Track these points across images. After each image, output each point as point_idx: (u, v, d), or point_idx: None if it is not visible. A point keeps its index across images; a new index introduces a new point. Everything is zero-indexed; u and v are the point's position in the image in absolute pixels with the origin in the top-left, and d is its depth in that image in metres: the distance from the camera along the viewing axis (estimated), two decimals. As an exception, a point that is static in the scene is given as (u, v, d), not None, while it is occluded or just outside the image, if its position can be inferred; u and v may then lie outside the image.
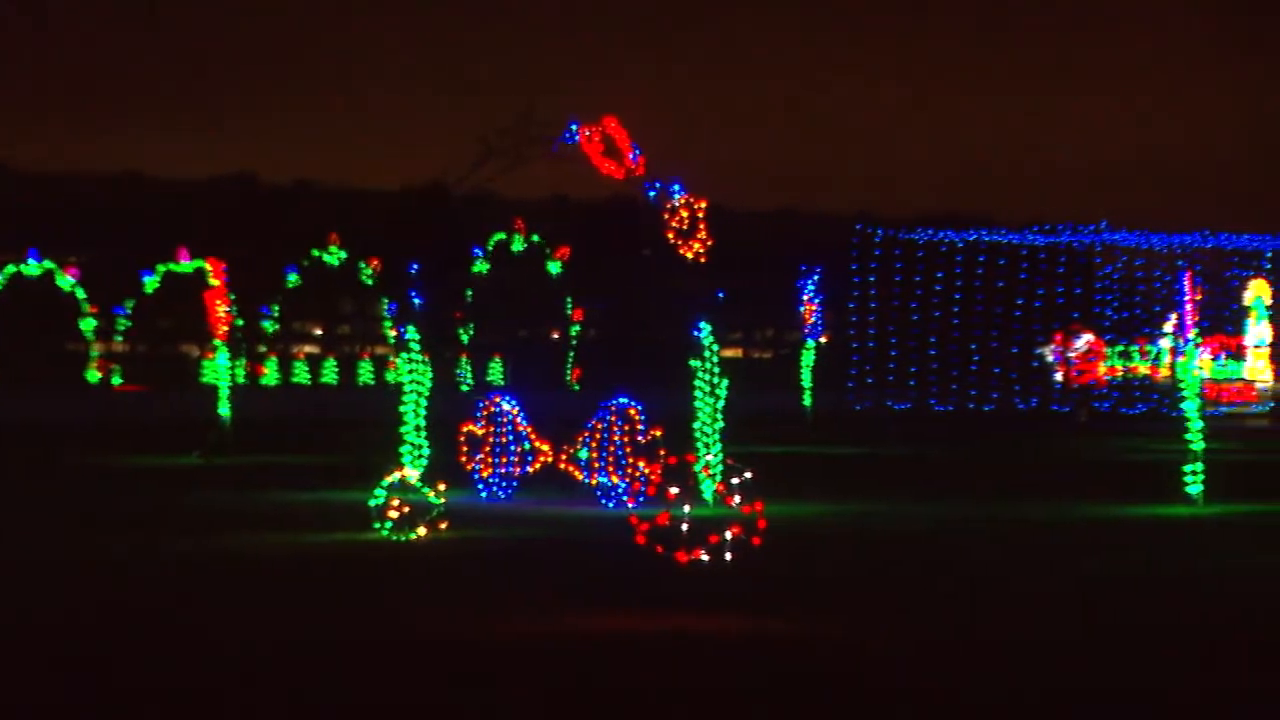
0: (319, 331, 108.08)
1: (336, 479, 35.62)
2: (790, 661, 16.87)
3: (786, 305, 72.08)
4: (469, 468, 32.91)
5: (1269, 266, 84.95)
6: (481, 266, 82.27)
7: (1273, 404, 75.67)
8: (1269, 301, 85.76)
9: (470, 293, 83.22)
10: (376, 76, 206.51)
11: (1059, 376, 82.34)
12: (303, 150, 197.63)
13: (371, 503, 26.42)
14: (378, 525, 26.25)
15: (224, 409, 45.70)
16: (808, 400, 63.71)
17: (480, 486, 32.74)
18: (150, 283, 70.81)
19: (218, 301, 47.25)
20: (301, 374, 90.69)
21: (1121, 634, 18.48)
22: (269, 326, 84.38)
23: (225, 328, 47.44)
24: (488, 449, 32.90)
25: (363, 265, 75.15)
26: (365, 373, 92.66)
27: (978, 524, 29.60)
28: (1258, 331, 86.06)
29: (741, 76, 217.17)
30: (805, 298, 67.47)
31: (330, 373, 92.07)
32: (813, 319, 66.43)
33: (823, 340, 68.78)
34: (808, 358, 64.71)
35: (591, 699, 15.22)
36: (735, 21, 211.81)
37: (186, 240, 58.49)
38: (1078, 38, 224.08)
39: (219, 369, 47.39)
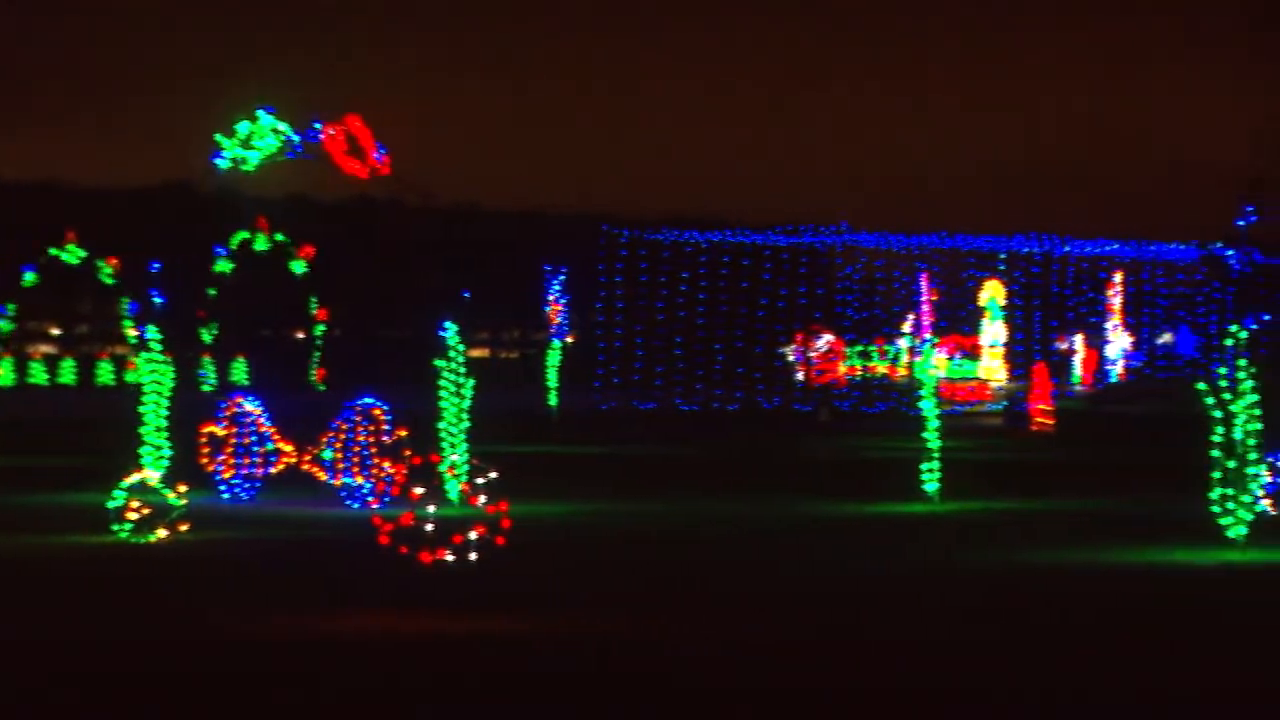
0: (57, 332, 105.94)
1: (75, 481, 34.96)
2: (530, 659, 16.97)
3: (533, 305, 72.27)
4: (210, 469, 32.55)
5: (1003, 268, 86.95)
6: (224, 265, 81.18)
7: (1006, 403, 77.34)
8: (1003, 302, 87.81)
9: (213, 292, 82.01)
10: (118, 73, 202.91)
11: (801, 376, 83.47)
12: (44, 147, 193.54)
13: (110, 504, 26.03)
14: (117, 527, 25.86)
15: (-43, 411, 44.66)
16: (554, 400, 63.90)
17: (222, 487, 32.40)
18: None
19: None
20: (39, 375, 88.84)
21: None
22: (4, 326, 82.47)
23: (-44, 328, 46.32)
24: (230, 450, 32.57)
25: (101, 264, 73.80)
26: (105, 373, 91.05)
27: (720, 523, 29.94)
28: (992, 331, 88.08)
29: (489, 78, 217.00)
30: (551, 298, 67.72)
31: (68, 373, 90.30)
32: (559, 319, 66.66)
33: (569, 340, 69.06)
34: (554, 357, 64.90)
35: (333, 699, 15.19)
36: (481, 23, 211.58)
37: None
38: (822, 37, 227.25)
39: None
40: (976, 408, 78.34)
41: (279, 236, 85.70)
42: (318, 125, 31.49)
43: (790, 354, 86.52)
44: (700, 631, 18.74)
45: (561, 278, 68.31)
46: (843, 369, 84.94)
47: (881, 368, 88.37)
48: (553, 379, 64.35)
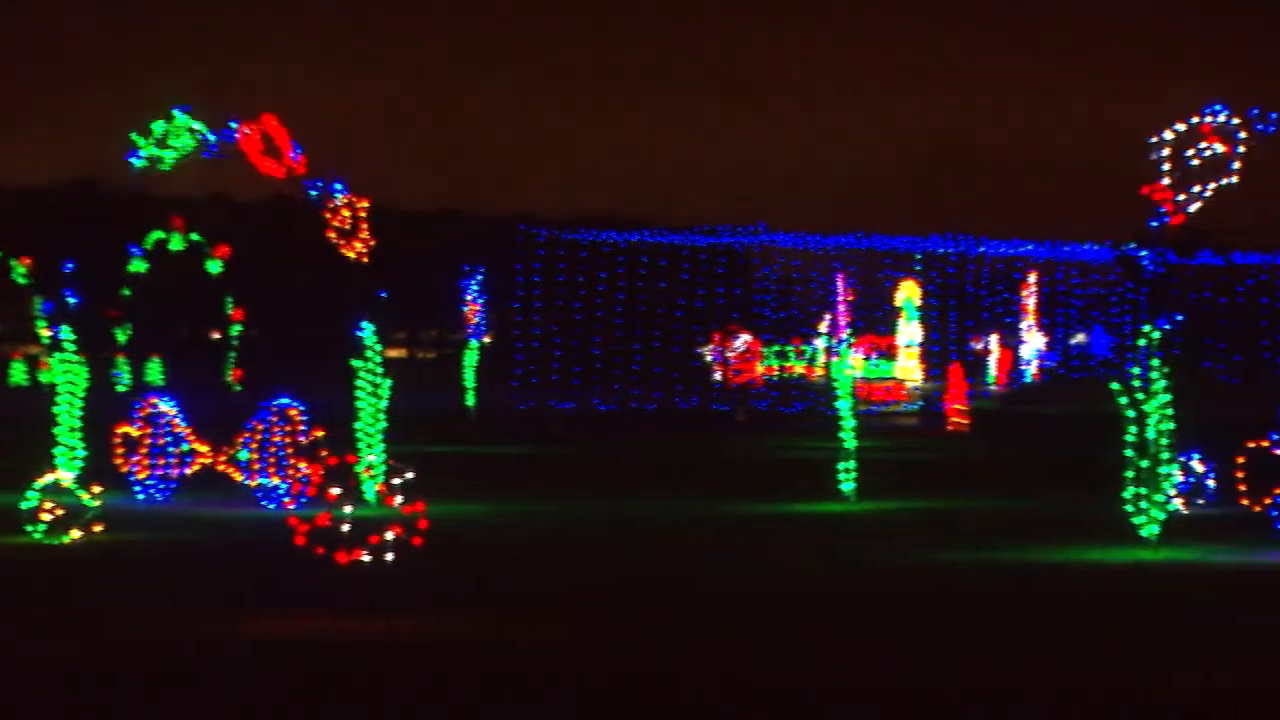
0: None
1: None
2: (447, 660, 16.97)
3: (450, 305, 72.12)
4: (125, 469, 32.36)
5: (919, 268, 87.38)
6: (139, 265, 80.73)
7: (922, 403, 77.70)
8: (919, 302, 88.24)
9: (128, 291, 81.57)
10: (25, 71, 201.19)
11: (718, 376, 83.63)
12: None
13: (24, 505, 25.84)
14: (31, 528, 25.68)
15: None
16: (471, 400, 63.79)
17: (137, 488, 32.21)
18: None
19: None
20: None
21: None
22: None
23: None
24: (145, 450, 32.39)
25: (14, 263, 73.22)
26: (18, 373, 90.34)
27: (636, 523, 29.99)
28: (908, 331, 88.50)
29: (405, 77, 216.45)
30: (469, 298, 67.60)
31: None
32: (476, 319, 66.54)
33: (486, 340, 68.94)
34: (471, 358, 64.80)
35: (249, 700, 15.15)
36: (396, 22, 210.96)
37: None
38: (742, 38, 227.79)
39: None
40: (893, 407, 78.66)
41: (194, 236, 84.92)
42: (234, 125, 31.35)
43: (708, 354, 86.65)
44: (602, 631, 18.77)
45: (479, 278, 68.18)
46: (760, 369, 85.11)
47: (799, 368, 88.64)
48: (470, 379, 64.24)
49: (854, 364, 77.05)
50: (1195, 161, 26.11)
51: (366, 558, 22.96)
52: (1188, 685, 16.02)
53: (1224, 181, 26.17)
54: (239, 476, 31.65)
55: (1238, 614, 20.41)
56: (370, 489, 29.17)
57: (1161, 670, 16.74)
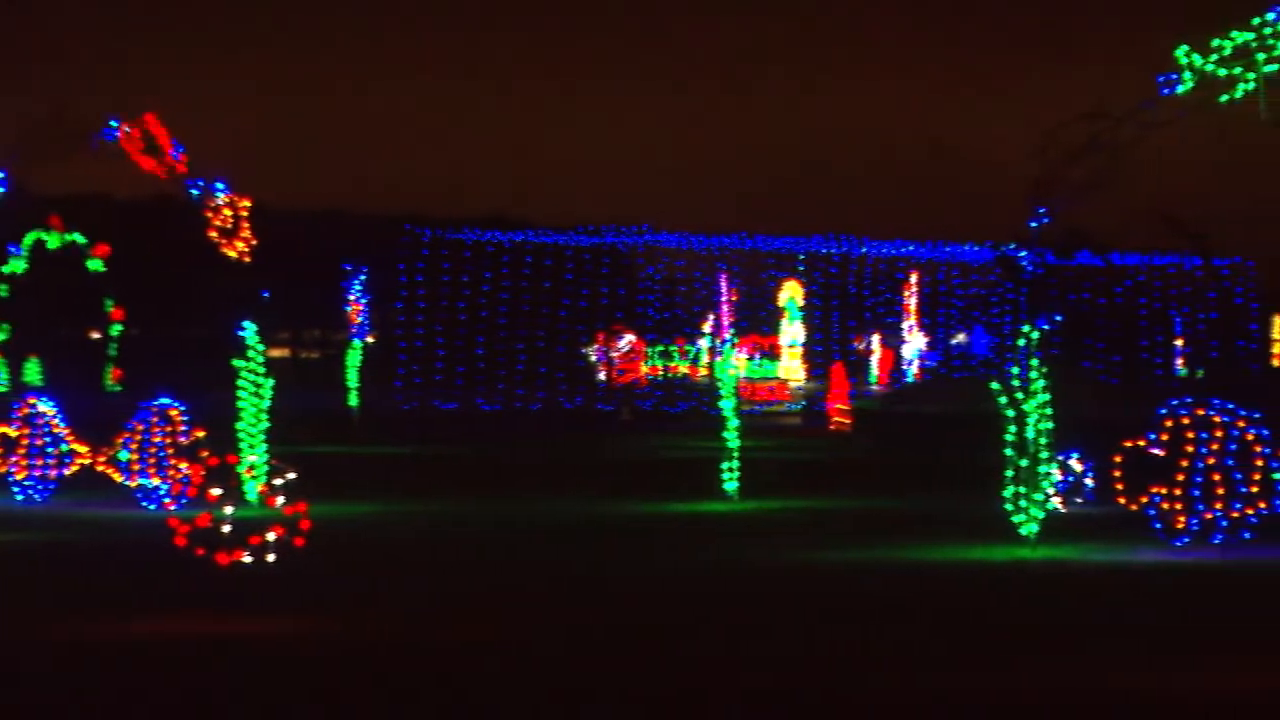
0: None
1: None
2: (325, 660, 16.92)
3: (333, 305, 71.74)
4: (3, 470, 32.03)
5: (802, 268, 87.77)
6: (17, 265, 79.78)
7: (805, 403, 78.06)
8: (801, 302, 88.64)
9: (4, 291, 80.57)
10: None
11: (602, 376, 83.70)
12: None
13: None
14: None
15: None
16: (354, 400, 63.53)
17: (15, 489, 31.88)
18: None
19: None
20: None
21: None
22: None
23: None
24: (23, 451, 32.06)
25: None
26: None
27: (520, 523, 30.00)
28: (791, 331, 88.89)
29: (292, 76, 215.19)
30: (352, 298, 67.29)
31: None
32: (360, 319, 66.25)
33: (370, 340, 68.66)
34: (354, 358, 64.53)
35: (129, 701, 15.05)
36: (278, 20, 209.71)
37: None
38: (623, 37, 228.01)
39: None
40: (776, 407, 79.00)
41: (74, 235, 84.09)
42: (114, 123, 31.10)
43: (592, 354, 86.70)
44: (480, 632, 18.77)
45: (362, 277, 67.88)
46: (644, 369, 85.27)
47: (682, 367, 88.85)
48: (354, 379, 63.97)
49: (737, 364, 77.34)
50: (1075, 162, 26.38)
51: (248, 559, 22.83)
52: (1075, 685, 16.20)
53: (1102, 184, 26.45)
54: (119, 477, 31.39)
55: (1112, 611, 20.66)
56: (252, 489, 29.01)
57: (1042, 666, 16.91)
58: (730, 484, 33.41)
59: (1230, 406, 26.13)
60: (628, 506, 32.66)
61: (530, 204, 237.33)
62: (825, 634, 18.79)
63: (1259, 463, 25.87)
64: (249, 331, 31.70)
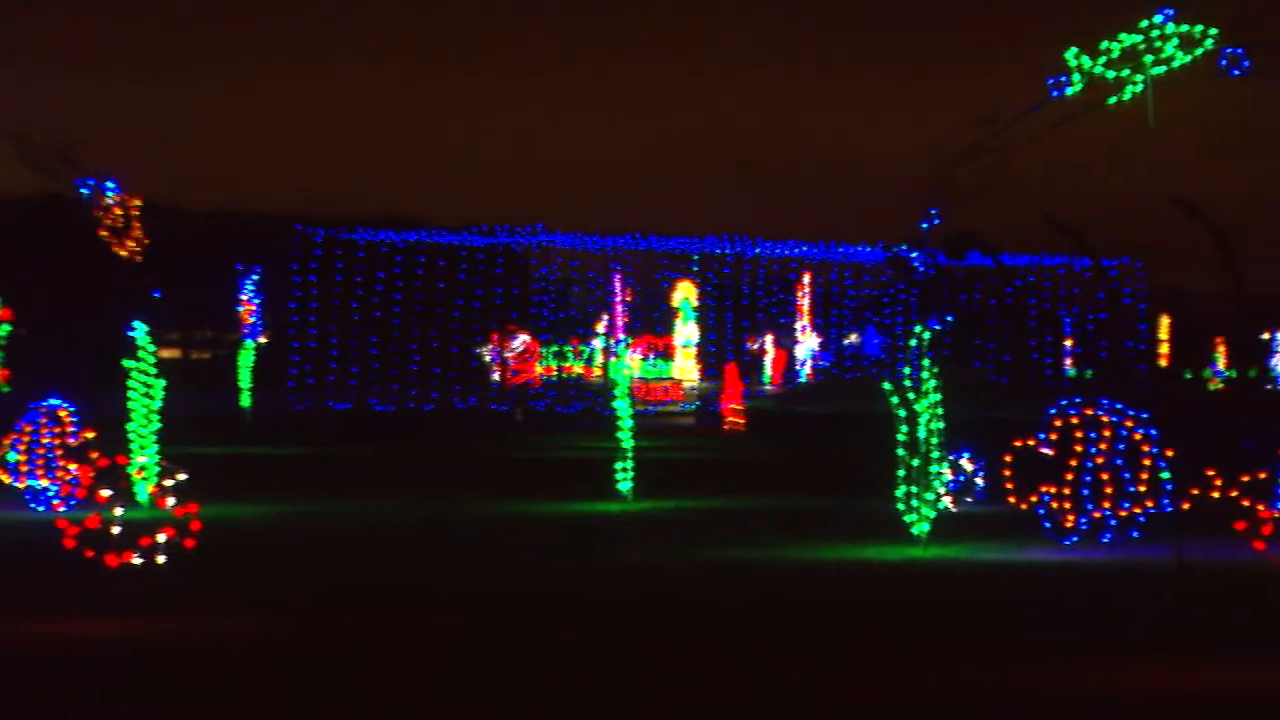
0: None
1: None
2: (214, 660, 16.83)
3: (225, 305, 71.36)
4: (-112, 473, 31.65)
5: (696, 269, 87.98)
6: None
7: (699, 403, 78.29)
8: (695, 303, 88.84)
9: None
10: None
11: (496, 376, 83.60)
12: None
13: None
14: None
15: None
16: (246, 401, 63.19)
17: (-100, 492, 31.52)
18: None
19: None
20: None
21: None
22: None
23: None
24: (-92, 453, 31.68)
25: None
26: None
27: (414, 524, 29.92)
28: (685, 332, 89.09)
29: (181, 77, 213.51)
30: (244, 298, 66.91)
31: None
32: (252, 319, 65.90)
33: (262, 340, 68.32)
34: (246, 358, 64.18)
35: (18, 704, 14.93)
36: (170, 18, 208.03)
37: None
38: (518, 37, 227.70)
39: None
40: (670, 407, 79.19)
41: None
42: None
43: (486, 354, 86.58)
44: (370, 632, 18.73)
45: (254, 278, 67.50)
46: (538, 369, 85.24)
47: (577, 368, 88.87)
48: (246, 379, 63.64)
49: (631, 364, 77.64)
50: (966, 164, 26.59)
51: (138, 560, 22.66)
52: (967, 683, 16.32)
53: (992, 185, 26.67)
54: (7, 479, 31.09)
55: (1001, 609, 20.84)
56: (142, 491, 28.79)
57: (929, 664, 17.03)
58: (625, 484, 33.47)
59: (1119, 406, 26.41)
60: (521, 507, 32.63)
61: (424, 203, 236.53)
62: (713, 633, 18.85)
63: (1147, 462, 26.16)
64: (140, 332, 31.45)
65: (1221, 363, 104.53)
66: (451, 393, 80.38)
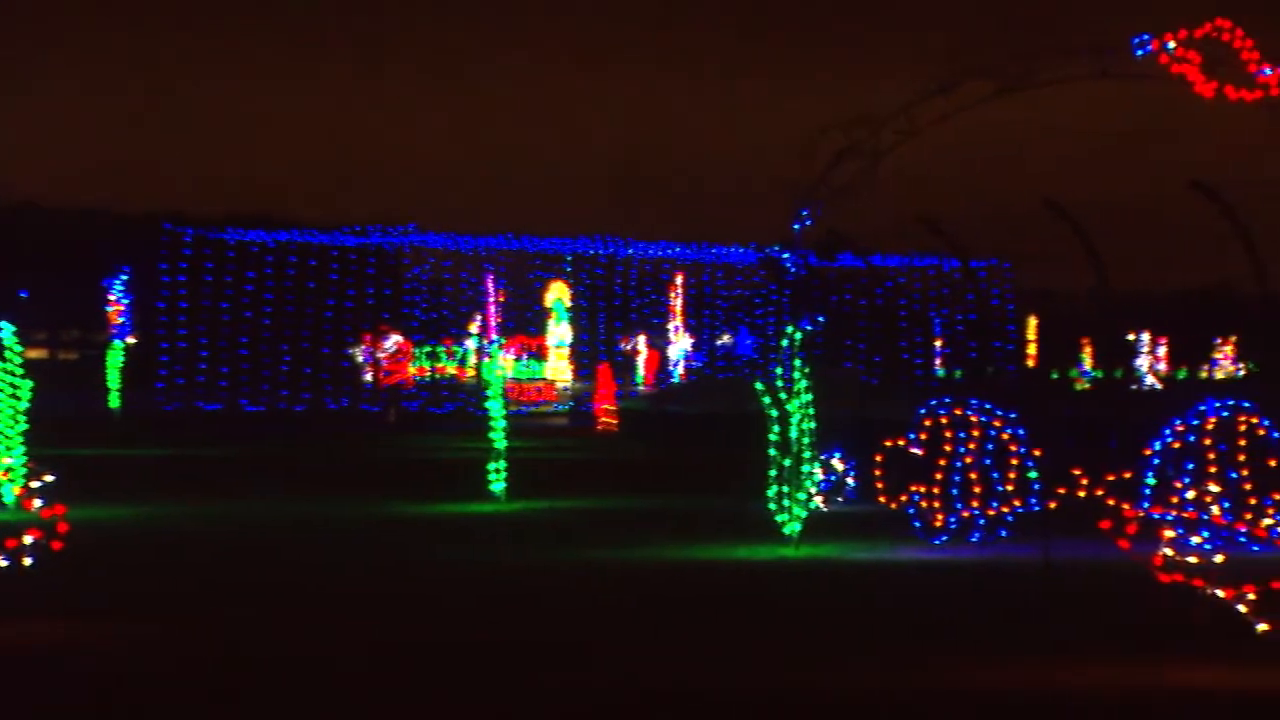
0: None
1: None
2: (80, 665, 16.70)
3: (93, 305, 70.62)
4: None
5: (569, 269, 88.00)
6: None
7: (572, 403, 78.31)
8: (568, 303, 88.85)
9: None
10: None
11: (369, 376, 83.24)
12: None
13: None
14: None
15: None
16: (115, 402, 62.57)
17: None
18: None
19: None
20: None
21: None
22: None
23: None
24: None
25: None
26: None
27: (285, 525, 29.76)
28: (558, 332, 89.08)
29: (49, 74, 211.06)
30: (113, 298, 66.25)
31: None
32: (120, 319, 65.27)
33: (131, 341, 67.66)
34: (115, 359, 63.56)
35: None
36: (44, 15, 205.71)
37: None
38: (378, 36, 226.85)
39: None
40: (543, 408, 79.16)
41: None
42: None
43: (358, 355, 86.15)
44: (235, 635, 18.65)
45: (123, 278, 66.86)
46: (411, 370, 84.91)
47: (449, 368, 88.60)
48: (114, 380, 63.03)
49: (504, 364, 77.49)
50: (837, 166, 26.77)
51: (3, 562, 22.37)
52: (833, 682, 16.45)
53: (863, 187, 26.87)
54: None
55: (870, 608, 21.01)
56: (8, 492, 28.43)
57: (807, 657, 17.15)
58: (497, 485, 33.46)
59: (988, 406, 26.68)
60: (393, 508, 32.53)
61: (295, 203, 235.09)
62: (588, 630, 18.89)
63: (1015, 462, 26.44)
64: (6, 332, 31.09)
65: (1088, 363, 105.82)
66: (323, 393, 79.93)
